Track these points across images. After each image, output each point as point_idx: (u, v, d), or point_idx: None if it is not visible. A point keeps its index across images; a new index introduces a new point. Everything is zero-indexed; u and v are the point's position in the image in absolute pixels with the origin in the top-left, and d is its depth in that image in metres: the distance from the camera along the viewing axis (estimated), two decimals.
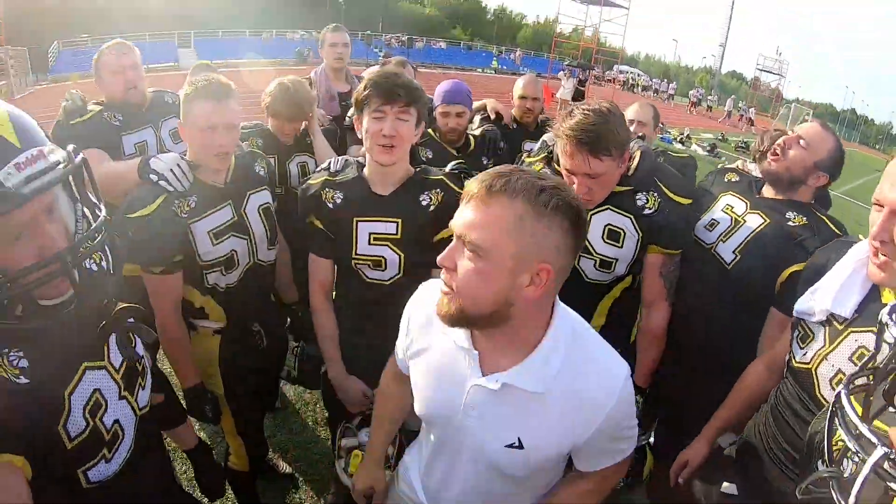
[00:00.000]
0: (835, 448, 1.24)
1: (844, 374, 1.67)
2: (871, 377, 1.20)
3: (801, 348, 1.85)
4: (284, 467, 3.61)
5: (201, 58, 33.88)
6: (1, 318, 1.21)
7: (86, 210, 1.36)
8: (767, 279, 2.42)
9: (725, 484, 2.08)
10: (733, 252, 2.54)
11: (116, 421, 1.50)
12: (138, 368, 1.61)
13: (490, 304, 1.37)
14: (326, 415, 3.57)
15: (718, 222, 2.64)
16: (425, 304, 1.68)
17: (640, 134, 3.60)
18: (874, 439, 1.01)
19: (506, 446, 1.52)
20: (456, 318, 1.41)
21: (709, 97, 49.31)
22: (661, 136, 23.88)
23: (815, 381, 1.76)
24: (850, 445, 1.05)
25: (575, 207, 1.35)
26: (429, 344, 1.66)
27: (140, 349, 1.63)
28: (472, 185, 1.37)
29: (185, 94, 2.33)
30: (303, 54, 37.59)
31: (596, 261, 2.49)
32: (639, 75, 60.24)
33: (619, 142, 2.24)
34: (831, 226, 2.45)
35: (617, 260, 2.47)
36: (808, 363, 1.80)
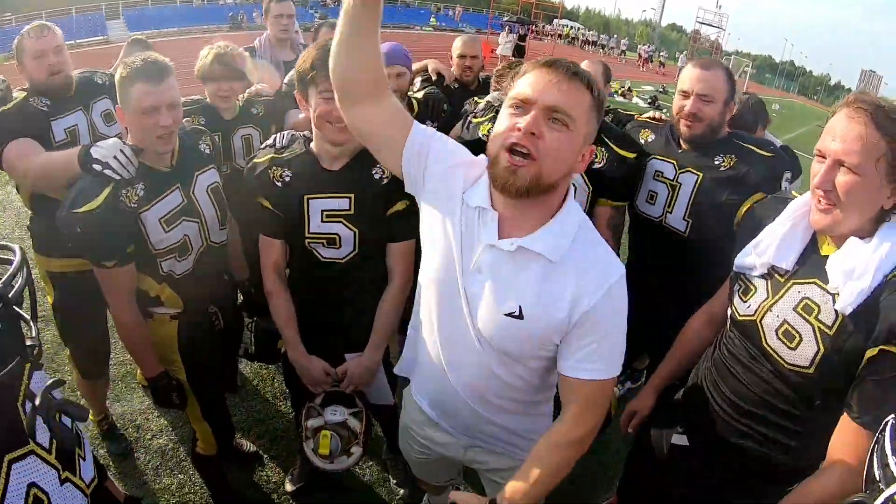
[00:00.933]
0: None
1: (789, 323, 1.74)
2: None
3: (744, 301, 1.91)
4: (248, 446, 3.59)
5: (131, 30, 32.78)
6: None
7: None
8: (723, 229, 2.42)
9: (676, 435, 2.17)
10: (683, 219, 2.58)
11: None
12: (71, 434, 1.32)
13: (562, 173, 1.54)
14: (285, 389, 3.59)
15: (657, 193, 2.68)
16: (451, 159, 1.74)
17: None
18: None
19: (505, 315, 1.60)
20: (531, 186, 1.50)
21: (661, 53, 49.52)
22: None
23: (761, 332, 1.83)
24: (876, 474, 1.09)
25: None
26: (440, 201, 1.72)
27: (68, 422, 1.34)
28: (548, 65, 1.52)
29: (121, 77, 2.21)
30: (237, 19, 36.36)
31: None
32: (579, 29, 60.21)
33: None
34: (760, 150, 2.54)
35: None
36: (752, 315, 1.86)
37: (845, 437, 1.62)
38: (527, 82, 1.52)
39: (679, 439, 2.16)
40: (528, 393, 1.82)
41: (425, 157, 1.73)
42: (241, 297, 3.07)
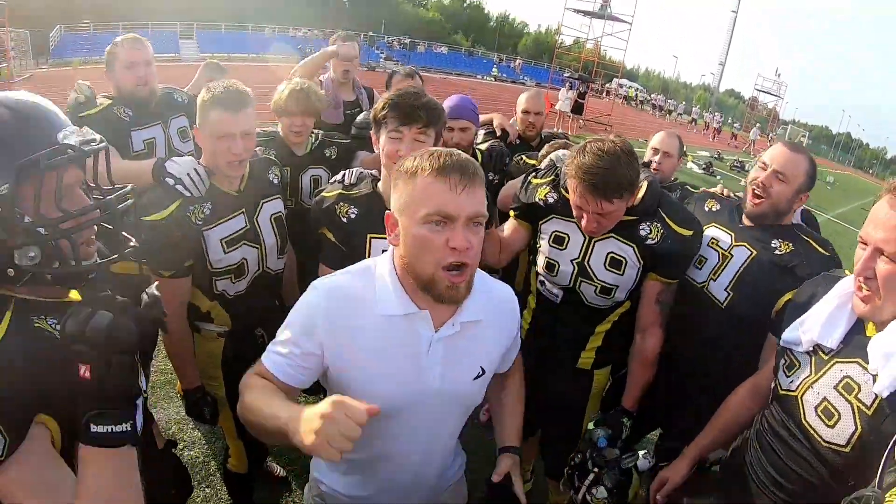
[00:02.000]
0: None
1: (829, 401, 1.74)
2: None
3: (788, 376, 1.91)
4: (279, 471, 3.63)
5: (203, 50, 33.94)
6: (42, 268, 1.30)
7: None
8: (762, 312, 2.44)
9: None
10: (726, 290, 2.55)
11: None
12: None
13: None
14: None
15: (706, 259, 2.65)
16: (343, 293, 1.66)
17: (648, 161, 3.68)
18: None
19: (473, 379, 1.76)
20: (468, 288, 1.61)
21: (734, 125, 48.98)
22: None
23: (801, 408, 1.82)
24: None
25: None
26: (363, 332, 1.63)
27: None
28: (442, 173, 1.52)
29: (202, 101, 2.34)
30: (305, 52, 37.37)
31: (597, 287, 2.53)
32: (639, 90, 60.44)
33: (630, 182, 2.27)
34: (818, 248, 2.48)
35: (617, 287, 2.52)
36: (794, 391, 1.86)
37: None
38: (438, 197, 1.51)
39: None
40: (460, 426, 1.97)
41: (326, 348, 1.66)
42: None
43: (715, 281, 2.60)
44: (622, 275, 2.49)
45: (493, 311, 1.79)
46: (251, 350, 2.65)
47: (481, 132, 4.14)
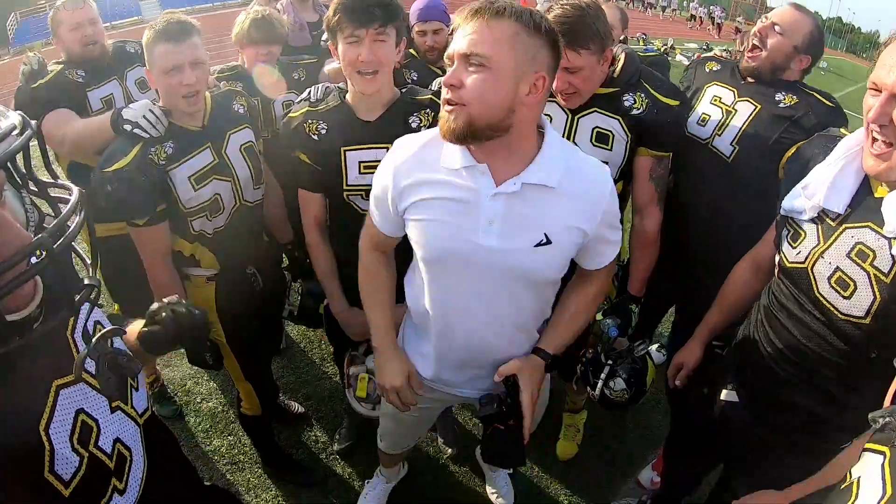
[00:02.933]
0: None
1: (843, 271, 1.64)
2: None
3: (794, 247, 1.80)
4: (296, 407, 3.64)
5: (164, 7, 32.97)
6: None
7: (33, 199, 1.07)
8: (770, 166, 2.38)
9: (725, 391, 2.08)
10: (731, 144, 2.51)
11: (118, 440, 1.22)
12: (122, 366, 1.22)
13: (498, 111, 1.53)
14: (331, 350, 3.60)
15: (710, 115, 2.61)
16: (410, 153, 1.75)
17: (623, 37, 3.56)
18: None
19: (535, 246, 1.67)
20: (463, 131, 1.54)
21: (702, 9, 47.70)
22: (645, 47, 23.43)
23: (813, 280, 1.72)
24: None
25: (555, 31, 1.57)
26: (427, 188, 1.71)
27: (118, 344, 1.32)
28: (465, 12, 1.53)
29: (146, 40, 2.24)
30: None
31: None
32: None
33: (596, 34, 2.19)
34: (822, 99, 2.44)
35: (607, 164, 2.41)
36: (802, 262, 1.75)
37: None
38: (454, 38, 1.56)
39: (728, 395, 2.08)
40: (540, 314, 1.96)
41: (398, 199, 1.79)
42: (287, 260, 3.07)
43: (720, 136, 2.56)
44: (611, 150, 2.41)
45: (573, 183, 1.67)
46: (245, 290, 2.66)
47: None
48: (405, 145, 1.77)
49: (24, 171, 0.96)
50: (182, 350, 4.05)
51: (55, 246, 0.90)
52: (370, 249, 2.03)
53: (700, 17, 43.51)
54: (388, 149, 2.23)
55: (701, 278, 2.54)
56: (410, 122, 2.28)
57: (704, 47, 26.80)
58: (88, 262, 1.10)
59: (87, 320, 1.17)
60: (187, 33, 2.23)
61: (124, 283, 3.22)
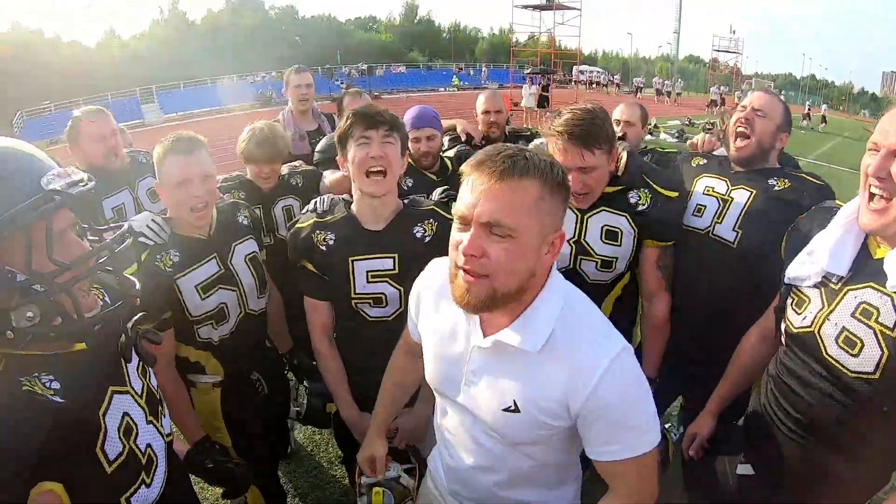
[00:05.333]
0: None
1: (849, 330, 1.68)
2: None
3: (799, 313, 1.86)
4: None
5: (166, 111, 34.07)
6: (43, 328, 1.27)
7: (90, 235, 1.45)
8: (772, 248, 2.36)
9: (740, 465, 2.09)
10: (733, 230, 2.57)
11: (149, 445, 1.51)
12: (157, 396, 1.63)
13: (522, 281, 1.44)
14: (339, 453, 3.55)
15: (705, 206, 2.68)
16: (434, 279, 1.77)
17: (622, 134, 3.65)
18: None
19: (503, 410, 1.54)
20: (486, 303, 1.44)
21: (676, 83, 49.40)
22: None
23: (821, 342, 1.76)
24: None
25: (568, 184, 1.50)
26: (437, 314, 1.73)
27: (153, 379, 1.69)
28: (478, 168, 1.41)
29: (157, 154, 2.35)
30: (266, 96, 37.64)
31: (597, 262, 2.54)
32: (598, 73, 60.81)
33: (608, 136, 2.33)
34: (813, 180, 2.55)
35: (617, 258, 2.53)
36: (809, 327, 1.81)
37: None
38: (463, 193, 1.44)
39: (744, 469, 2.09)
40: (547, 469, 1.71)
41: (415, 317, 1.86)
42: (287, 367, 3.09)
43: (721, 224, 2.62)
44: (620, 245, 2.52)
45: (558, 354, 1.47)
46: (250, 396, 2.68)
47: (446, 139, 4.12)
48: (433, 269, 1.81)
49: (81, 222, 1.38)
50: (186, 447, 4.04)
51: (117, 250, 1.33)
52: (403, 354, 2.10)
53: (666, 91, 44.88)
54: (394, 258, 2.32)
55: (710, 364, 2.49)
56: (415, 231, 2.36)
57: (687, 122, 27.53)
58: (136, 283, 1.46)
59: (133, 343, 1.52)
60: (196, 148, 2.35)
61: None
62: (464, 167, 1.46)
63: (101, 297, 1.47)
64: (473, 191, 1.40)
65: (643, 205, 2.48)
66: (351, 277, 2.33)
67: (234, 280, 2.51)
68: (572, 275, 2.57)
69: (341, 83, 38.18)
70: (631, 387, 1.48)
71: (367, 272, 2.34)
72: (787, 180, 2.55)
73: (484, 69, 57.85)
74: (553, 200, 1.43)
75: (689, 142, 3.27)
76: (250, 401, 2.68)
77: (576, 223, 2.53)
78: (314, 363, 2.63)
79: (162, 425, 1.61)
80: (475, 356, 1.60)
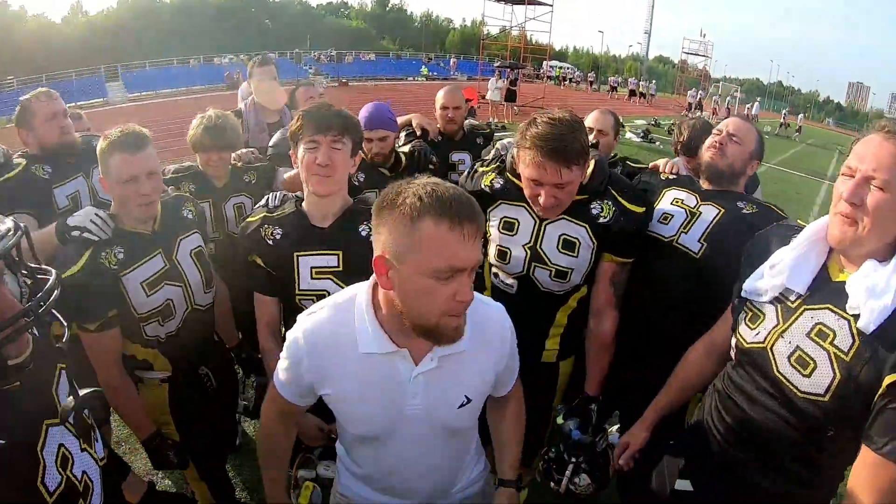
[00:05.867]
0: None
1: (803, 350, 1.70)
2: None
3: (752, 329, 1.87)
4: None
5: (130, 91, 33.34)
6: None
7: (25, 280, 1.43)
8: (735, 265, 2.32)
9: (679, 481, 2.09)
10: (699, 241, 2.55)
11: (84, 472, 1.50)
12: (89, 423, 1.61)
13: None
14: None
15: (672, 215, 2.65)
16: (321, 342, 1.70)
17: (594, 142, 3.60)
18: None
19: (458, 408, 1.74)
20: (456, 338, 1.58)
21: (650, 84, 49.75)
22: None
23: (773, 359, 1.78)
24: None
25: None
26: (347, 378, 1.69)
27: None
28: (451, 215, 1.42)
29: (101, 149, 2.30)
30: (233, 78, 36.99)
31: (552, 271, 2.50)
32: (569, 69, 61.07)
33: (585, 149, 2.27)
34: (778, 211, 2.55)
35: (572, 270, 2.48)
36: (762, 343, 1.82)
37: (867, 471, 1.57)
38: (448, 250, 1.43)
39: (682, 485, 2.09)
40: (465, 450, 2.00)
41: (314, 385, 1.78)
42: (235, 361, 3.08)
43: (687, 234, 2.59)
44: (576, 257, 2.47)
45: (479, 338, 1.70)
46: (197, 391, 2.67)
47: (402, 133, 4.10)
48: (314, 332, 1.71)
49: (16, 259, 1.34)
50: (137, 446, 3.98)
51: (40, 311, 1.28)
52: (275, 419, 1.97)
53: (640, 92, 45.25)
54: (338, 255, 2.31)
55: (662, 370, 2.48)
56: (360, 229, 2.35)
57: (653, 123, 27.76)
58: (65, 325, 1.46)
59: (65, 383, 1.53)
60: (143, 144, 2.31)
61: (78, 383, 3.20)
62: (422, 218, 1.43)
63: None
64: (463, 242, 1.44)
65: (605, 217, 2.42)
66: (295, 273, 2.33)
67: (180, 275, 2.50)
68: (524, 281, 2.56)
69: (309, 68, 37.78)
70: (513, 330, 1.87)
71: (312, 268, 2.33)
72: (754, 206, 2.56)
73: (453, 60, 57.65)
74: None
75: (651, 164, 3.24)
76: (198, 396, 2.68)
77: (533, 229, 2.50)
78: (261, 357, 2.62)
79: (95, 450, 1.60)
80: (415, 382, 1.68)
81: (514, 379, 1.97)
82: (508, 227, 2.54)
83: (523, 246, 2.51)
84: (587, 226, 2.44)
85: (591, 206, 2.44)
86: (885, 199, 1.59)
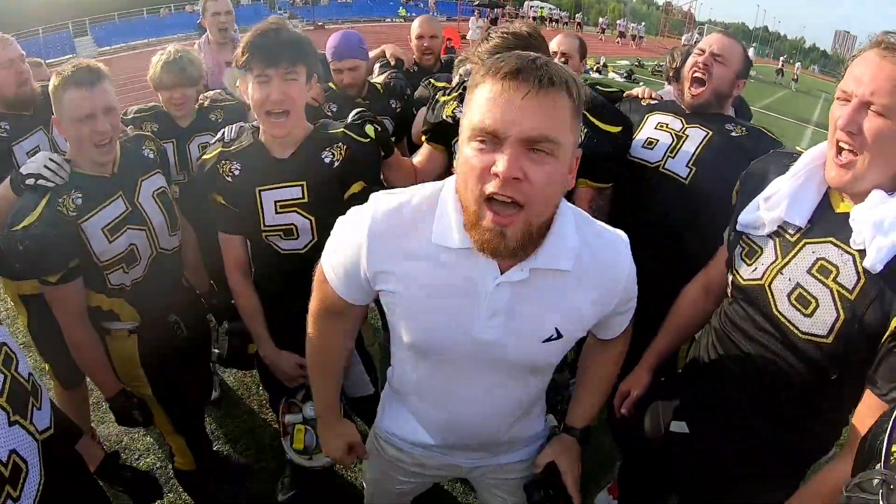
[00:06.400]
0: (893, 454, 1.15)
1: (804, 287, 1.59)
2: None
3: (749, 265, 1.75)
4: (237, 458, 3.50)
5: (100, 45, 32.48)
6: None
7: None
8: (724, 191, 2.22)
9: (674, 423, 2.00)
10: (687, 166, 2.45)
11: (13, 451, 1.33)
12: (26, 387, 1.44)
13: (553, 209, 1.33)
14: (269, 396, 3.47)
15: (657, 140, 2.55)
16: (392, 222, 1.43)
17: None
18: None
19: (543, 341, 1.46)
20: (522, 244, 1.28)
21: (639, 26, 49.23)
22: None
23: (771, 297, 1.67)
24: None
25: None
26: (414, 268, 1.43)
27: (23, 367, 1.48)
28: (510, 77, 1.19)
29: (54, 86, 2.14)
30: (204, 26, 36.07)
31: None
32: (551, 9, 60.16)
33: None
34: (769, 134, 2.46)
35: None
36: (759, 279, 1.70)
37: (871, 418, 1.39)
38: (487, 106, 1.21)
39: (678, 426, 1.99)
40: (539, 398, 1.77)
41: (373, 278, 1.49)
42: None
43: (673, 158, 2.50)
44: None
45: (589, 262, 1.42)
46: (169, 340, 2.55)
47: (377, 65, 3.91)
48: (384, 211, 1.44)
49: None
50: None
51: None
52: (323, 316, 1.71)
53: (632, 34, 44.77)
54: (302, 186, 2.19)
55: (650, 304, 2.44)
56: (323, 157, 2.23)
57: (637, 63, 27.53)
58: None
59: None
60: (98, 79, 2.15)
61: (52, 337, 3.07)
62: (480, 75, 1.25)
63: None
64: (506, 102, 1.19)
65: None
66: (259, 208, 2.22)
67: (143, 219, 2.35)
68: None
69: (284, 12, 36.94)
70: (634, 275, 1.54)
71: (276, 202, 2.22)
72: (743, 128, 2.46)
73: (432, 1, 56.57)
74: (578, 117, 1.28)
75: (626, 93, 3.04)
76: (169, 345, 2.54)
77: None
78: (234, 302, 2.51)
79: (34, 422, 1.43)
80: (498, 296, 1.40)
81: (625, 325, 1.69)
82: None
83: None
84: None
85: None
86: (886, 126, 1.44)
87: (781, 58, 43.44)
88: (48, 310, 2.48)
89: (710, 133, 2.46)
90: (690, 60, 2.53)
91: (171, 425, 2.66)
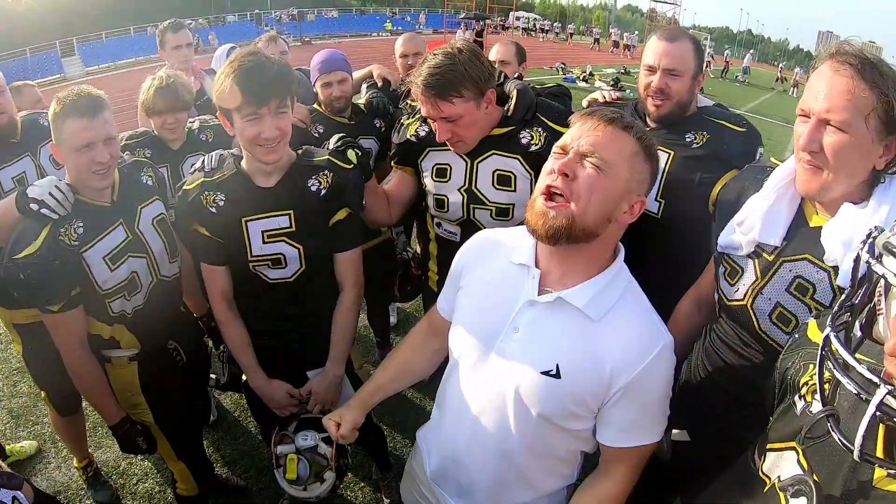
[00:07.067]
0: (806, 383, 1.21)
1: (783, 306, 1.63)
2: (849, 314, 1.15)
3: (732, 285, 1.78)
4: (235, 480, 3.50)
5: (88, 64, 32.38)
6: None
7: None
8: (699, 209, 2.27)
9: (675, 431, 2.04)
10: (656, 200, 2.39)
11: None
12: None
13: (599, 218, 1.45)
14: None
15: None
16: (483, 245, 1.77)
17: (503, 73, 3.52)
18: (875, 378, 0.95)
19: (542, 372, 1.50)
20: (561, 230, 1.44)
21: (633, 34, 49.41)
22: (565, 76, 24.09)
23: (754, 317, 1.71)
24: (850, 388, 0.99)
25: (657, 157, 1.55)
26: (487, 265, 1.69)
27: None
28: (588, 116, 1.51)
29: (54, 114, 2.12)
30: (194, 43, 36.05)
31: (492, 210, 2.43)
32: (536, 19, 60.48)
33: (470, 80, 2.16)
34: (733, 126, 2.37)
35: (514, 205, 2.40)
36: (741, 300, 1.74)
37: None
38: (568, 133, 1.52)
39: (680, 435, 2.03)
40: (557, 455, 1.68)
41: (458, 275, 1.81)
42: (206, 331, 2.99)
43: None
44: (515, 191, 2.39)
45: (615, 328, 1.48)
46: (168, 366, 2.56)
47: (364, 86, 3.95)
48: (488, 236, 1.80)
49: None
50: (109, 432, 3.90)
51: None
52: (423, 331, 2.04)
53: (624, 43, 44.91)
54: (290, 215, 2.20)
55: None
56: (310, 185, 2.22)
57: (623, 71, 27.66)
58: None
59: None
60: (100, 109, 2.13)
61: (47, 366, 3.05)
62: (573, 118, 1.56)
63: None
64: (578, 129, 1.50)
65: (536, 144, 2.32)
66: (246, 239, 2.21)
67: (143, 246, 2.36)
68: (468, 225, 2.46)
69: (271, 29, 36.92)
70: (666, 381, 1.54)
71: (263, 232, 2.22)
72: (704, 132, 2.36)
73: (422, 15, 56.70)
74: (644, 164, 1.49)
75: (587, 99, 2.98)
76: (169, 371, 2.56)
77: (465, 170, 2.41)
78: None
79: None
80: (525, 310, 1.55)
81: (629, 442, 1.56)
82: (441, 173, 2.48)
83: (459, 190, 2.45)
84: (519, 157, 2.36)
85: (521, 136, 2.36)
86: (845, 141, 1.47)
87: (780, 65, 43.53)
88: (42, 338, 2.47)
89: (672, 154, 2.38)
90: (643, 80, 2.44)
91: (174, 451, 2.66)
